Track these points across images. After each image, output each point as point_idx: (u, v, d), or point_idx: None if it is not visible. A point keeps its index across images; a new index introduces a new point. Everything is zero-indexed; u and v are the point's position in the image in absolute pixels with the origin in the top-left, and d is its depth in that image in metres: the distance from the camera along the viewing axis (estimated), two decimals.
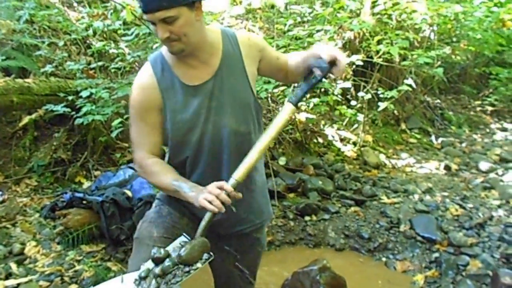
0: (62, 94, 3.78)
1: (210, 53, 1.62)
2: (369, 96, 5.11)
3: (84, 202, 3.24)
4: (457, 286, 3.06)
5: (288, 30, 4.83)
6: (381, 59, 4.74)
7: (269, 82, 3.77)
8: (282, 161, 4.49)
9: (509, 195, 4.44)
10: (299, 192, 4.17)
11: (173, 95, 1.61)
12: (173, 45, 1.51)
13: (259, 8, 5.48)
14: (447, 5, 5.23)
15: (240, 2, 5.44)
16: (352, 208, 3.94)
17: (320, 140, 5.21)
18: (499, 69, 7.89)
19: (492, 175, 5.31)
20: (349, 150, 5.26)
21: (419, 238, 3.52)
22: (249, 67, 1.67)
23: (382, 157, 5.44)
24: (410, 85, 4.83)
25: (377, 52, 4.66)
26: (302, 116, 4.90)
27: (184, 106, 1.61)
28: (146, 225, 1.72)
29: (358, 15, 5.32)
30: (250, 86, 1.67)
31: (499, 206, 4.28)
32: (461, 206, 4.17)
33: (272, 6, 5.49)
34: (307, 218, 3.82)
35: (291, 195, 4.11)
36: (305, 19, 5.27)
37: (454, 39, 6.44)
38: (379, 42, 4.63)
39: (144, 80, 1.63)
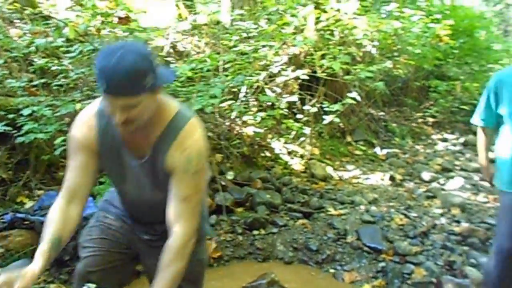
0: (2, 112, 3.62)
1: (151, 129, 1.56)
2: (315, 109, 5.20)
3: (26, 222, 3.10)
4: None
5: (234, 46, 4.86)
6: (324, 74, 4.84)
7: (215, 97, 3.75)
8: (230, 175, 4.45)
9: (450, 203, 4.61)
10: (247, 206, 4.15)
11: (109, 144, 1.61)
12: (126, 127, 1.46)
13: (205, 24, 5.50)
14: (386, 21, 5.43)
15: (186, 18, 5.43)
16: (300, 221, 3.95)
17: (268, 153, 5.22)
18: (438, 82, 8.24)
19: (434, 184, 5.51)
20: (296, 163, 5.30)
21: (365, 248, 3.57)
22: (169, 159, 1.57)
23: (329, 169, 5.51)
24: (354, 98, 4.97)
25: (321, 66, 4.75)
26: (249, 130, 4.90)
27: (117, 159, 1.64)
28: (86, 231, 1.90)
29: (302, 31, 5.43)
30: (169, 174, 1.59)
31: (441, 215, 4.42)
32: (405, 215, 4.28)
33: (218, 22, 5.52)
34: (255, 232, 3.80)
35: (240, 209, 4.07)
36: (250, 35, 5.31)
37: (396, 54, 6.66)
38: (322, 57, 4.73)
39: (84, 118, 1.63)
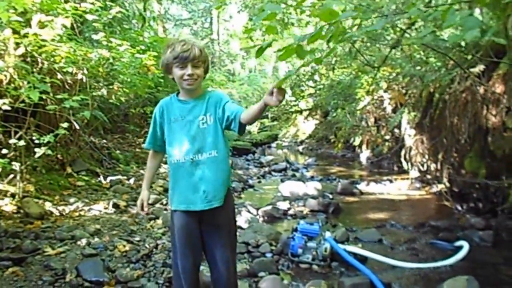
0: None
1: None
2: (23, 142, 4.75)
3: None
4: None
5: None
6: (23, 104, 4.44)
7: None
8: None
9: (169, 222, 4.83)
10: None
11: None
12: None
13: None
14: (94, 50, 5.39)
15: None
16: (10, 269, 3.47)
17: None
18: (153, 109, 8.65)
19: (157, 205, 5.72)
20: (7, 204, 4.73)
21: (86, 284, 3.37)
22: None
23: (48, 205, 5.11)
24: (67, 128, 4.76)
25: (18, 96, 4.36)
26: None
27: None
28: None
29: (2, 56, 4.91)
30: None
31: (163, 234, 4.61)
32: (128, 241, 4.29)
33: None
34: None
35: None
36: None
37: (110, 82, 6.66)
38: (20, 86, 4.35)
39: None
